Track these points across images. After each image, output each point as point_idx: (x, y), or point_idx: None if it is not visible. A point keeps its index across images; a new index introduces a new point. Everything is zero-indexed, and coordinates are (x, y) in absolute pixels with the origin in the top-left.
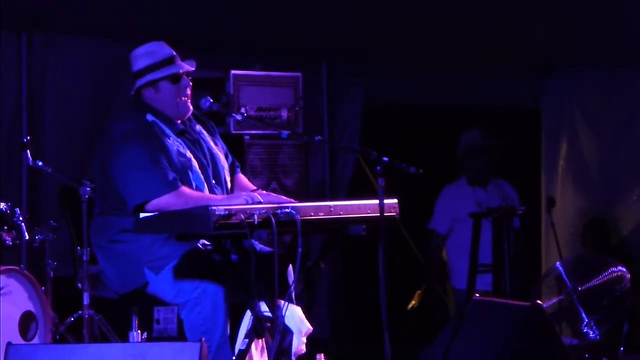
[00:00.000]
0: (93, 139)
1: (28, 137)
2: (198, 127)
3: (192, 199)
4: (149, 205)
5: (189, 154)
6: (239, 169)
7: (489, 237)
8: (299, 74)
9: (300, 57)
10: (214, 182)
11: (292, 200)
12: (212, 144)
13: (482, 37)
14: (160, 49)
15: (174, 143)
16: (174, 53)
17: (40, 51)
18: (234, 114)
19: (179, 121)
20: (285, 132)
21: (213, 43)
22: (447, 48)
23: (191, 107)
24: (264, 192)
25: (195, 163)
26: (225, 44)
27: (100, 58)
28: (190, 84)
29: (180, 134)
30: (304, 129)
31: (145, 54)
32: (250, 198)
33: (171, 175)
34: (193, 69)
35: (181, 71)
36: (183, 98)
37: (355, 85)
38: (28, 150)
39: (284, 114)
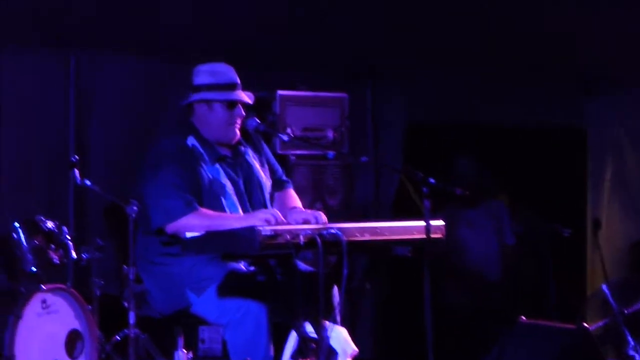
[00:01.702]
0: (139, 157)
1: (76, 156)
2: (244, 148)
3: (208, 219)
4: (168, 228)
5: (224, 180)
6: (289, 185)
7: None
8: (344, 94)
9: (345, 76)
10: (250, 206)
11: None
12: (257, 164)
13: (527, 56)
14: (226, 73)
15: (210, 169)
16: (238, 81)
17: (88, 70)
18: (280, 134)
19: (219, 147)
20: (331, 153)
21: (260, 63)
22: (492, 67)
23: (238, 134)
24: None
25: (231, 189)
26: (272, 64)
27: (146, 77)
28: (243, 114)
29: (219, 160)
30: (349, 149)
31: (209, 72)
32: (272, 216)
33: (188, 198)
34: (250, 102)
35: (239, 100)
36: (232, 125)
37: (400, 105)
38: (76, 169)
39: (330, 134)
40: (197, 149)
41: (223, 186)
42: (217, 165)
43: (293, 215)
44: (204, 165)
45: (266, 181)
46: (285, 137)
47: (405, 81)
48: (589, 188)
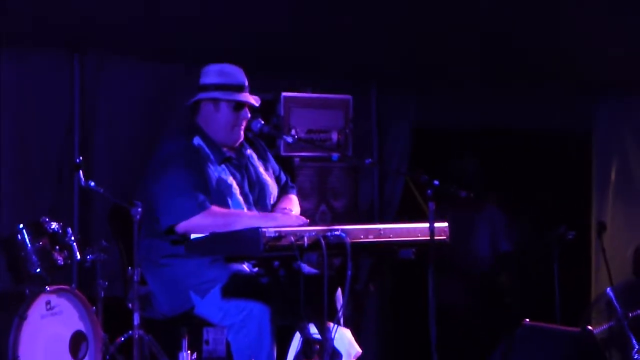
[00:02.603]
0: (144, 159)
1: (80, 158)
2: (249, 151)
3: (219, 217)
4: (179, 227)
5: (230, 180)
6: (292, 190)
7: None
8: (349, 96)
9: (350, 79)
10: (255, 208)
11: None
12: (261, 169)
13: (532, 60)
14: (235, 74)
15: (216, 169)
16: (246, 84)
17: (92, 72)
18: (284, 136)
19: (224, 149)
20: (335, 155)
21: (264, 65)
22: (498, 71)
23: (242, 136)
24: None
25: (236, 189)
26: (276, 66)
27: (152, 79)
28: (249, 116)
29: (225, 161)
30: (353, 151)
31: (218, 72)
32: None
33: (200, 197)
34: (257, 105)
35: (246, 102)
36: (237, 126)
37: (404, 108)
38: (80, 171)
39: (334, 136)
40: (203, 149)
41: (229, 186)
42: (223, 166)
43: None
44: (210, 165)
45: (272, 184)
46: (289, 139)
47: (410, 84)
48: (594, 191)
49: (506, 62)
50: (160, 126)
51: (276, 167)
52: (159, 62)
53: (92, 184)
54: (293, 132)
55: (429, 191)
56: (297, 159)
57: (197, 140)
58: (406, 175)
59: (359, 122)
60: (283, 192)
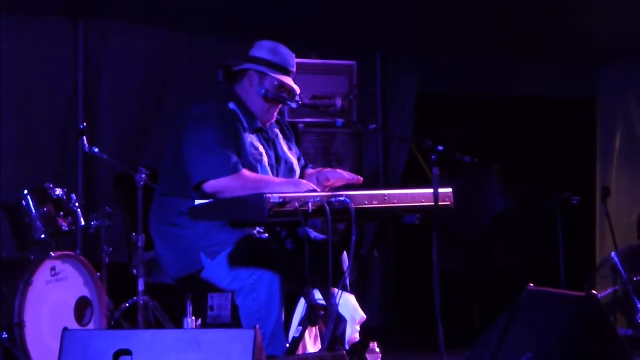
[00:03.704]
0: (148, 125)
1: (84, 124)
2: (276, 130)
3: (250, 181)
4: (207, 185)
5: (261, 149)
6: (308, 167)
7: None
8: (353, 62)
9: (354, 45)
10: None
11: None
12: (286, 148)
13: (537, 25)
14: (287, 57)
15: (249, 136)
16: (294, 69)
17: (96, 38)
18: (288, 102)
19: (257, 120)
20: (339, 120)
21: (268, 30)
22: (502, 37)
23: (275, 116)
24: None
25: (265, 159)
26: (280, 32)
27: (155, 46)
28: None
29: (257, 131)
30: (357, 117)
31: (272, 50)
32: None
33: (234, 158)
34: (297, 93)
35: (291, 88)
36: (275, 106)
37: (409, 74)
38: (84, 137)
39: (338, 102)
40: (238, 115)
41: (260, 154)
42: (255, 135)
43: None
44: (242, 131)
45: (297, 166)
46: (293, 105)
47: (415, 49)
48: (598, 156)
49: (511, 28)
50: (164, 92)
51: (297, 150)
52: (163, 29)
53: (96, 149)
54: (297, 97)
55: (433, 157)
56: (301, 125)
57: (232, 106)
58: (410, 141)
59: (363, 88)
60: (302, 173)
